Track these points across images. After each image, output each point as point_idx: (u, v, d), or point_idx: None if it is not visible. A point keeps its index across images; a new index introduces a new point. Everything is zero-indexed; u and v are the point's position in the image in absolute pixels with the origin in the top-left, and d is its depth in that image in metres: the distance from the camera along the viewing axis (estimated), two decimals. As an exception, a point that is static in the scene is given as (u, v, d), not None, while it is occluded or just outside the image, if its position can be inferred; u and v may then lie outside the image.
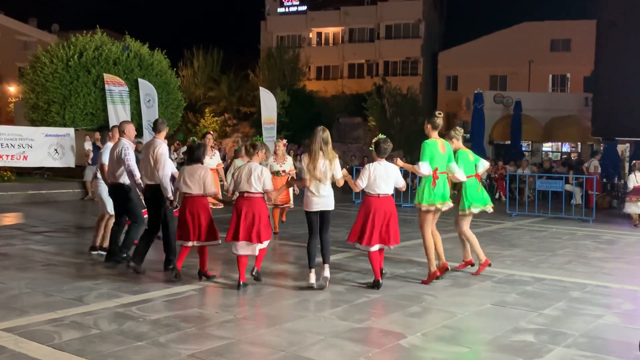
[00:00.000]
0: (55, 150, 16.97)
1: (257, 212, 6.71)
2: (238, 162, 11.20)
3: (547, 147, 33.41)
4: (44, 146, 16.82)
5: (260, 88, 21.78)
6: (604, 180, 20.38)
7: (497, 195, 20.42)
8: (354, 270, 8.03)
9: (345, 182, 6.99)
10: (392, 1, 45.21)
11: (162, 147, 7.44)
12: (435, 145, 7.31)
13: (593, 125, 20.21)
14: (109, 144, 8.30)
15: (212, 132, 11.62)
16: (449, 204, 7.44)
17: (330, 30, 47.12)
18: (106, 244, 8.48)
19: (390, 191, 7.00)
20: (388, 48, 44.60)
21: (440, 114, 7.53)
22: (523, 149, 30.00)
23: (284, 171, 11.17)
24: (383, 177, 6.89)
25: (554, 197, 17.38)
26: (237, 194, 6.88)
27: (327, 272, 6.85)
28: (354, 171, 17.26)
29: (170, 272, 7.27)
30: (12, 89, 45.43)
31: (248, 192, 6.76)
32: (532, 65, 38.49)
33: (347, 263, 8.50)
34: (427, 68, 44.76)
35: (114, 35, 21.83)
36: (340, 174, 6.81)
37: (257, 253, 6.92)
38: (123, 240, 8.02)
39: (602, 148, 28.31)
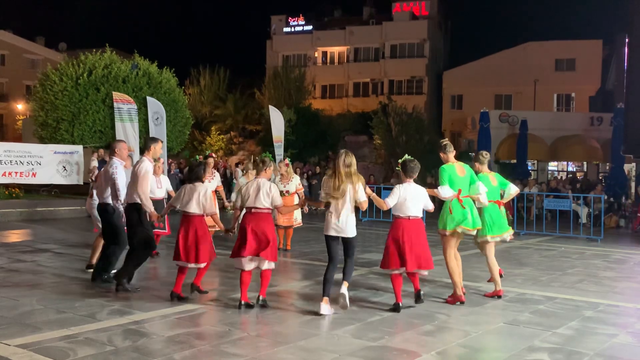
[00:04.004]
0: (64, 167, 17.03)
1: (262, 228, 6.60)
2: (242, 180, 11.18)
3: (552, 166, 33.39)
4: (52, 163, 16.87)
5: (270, 107, 21.87)
6: (611, 199, 20.34)
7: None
8: (365, 288, 8.01)
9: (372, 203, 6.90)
10: (397, 21, 45.59)
11: (143, 163, 7.45)
12: (452, 168, 7.27)
13: (624, 144, 20.17)
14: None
15: (214, 155, 11.47)
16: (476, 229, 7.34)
17: (335, 50, 47.46)
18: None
19: (420, 214, 6.91)
20: (393, 67, 44.86)
21: (445, 140, 7.66)
22: (529, 168, 30.00)
23: (287, 192, 11.05)
24: (412, 198, 6.81)
25: (561, 216, 17.35)
26: (244, 211, 6.80)
27: (344, 289, 6.54)
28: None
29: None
30: (20, 106, 45.72)
31: (255, 207, 6.68)
32: (537, 85, 38.63)
33: (358, 281, 8.47)
34: (432, 87, 44.98)
35: (123, 54, 22.01)
36: (363, 197, 6.62)
37: (263, 267, 6.68)
38: (102, 264, 7.95)
39: (607, 168, 28.31)
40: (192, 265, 6.93)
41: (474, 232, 7.34)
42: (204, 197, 6.91)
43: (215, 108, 39.43)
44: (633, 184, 24.91)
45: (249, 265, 6.69)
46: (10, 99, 48.86)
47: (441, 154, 7.43)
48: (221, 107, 39.33)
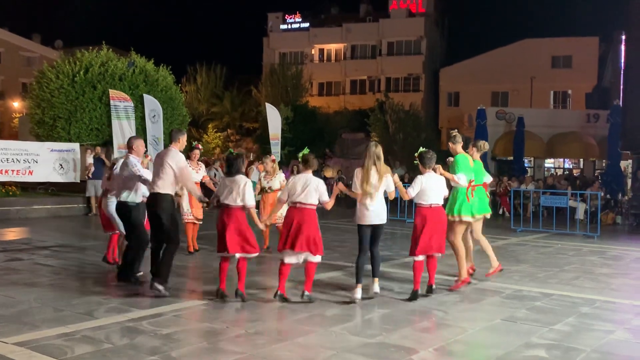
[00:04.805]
0: (61, 165, 16.99)
1: (307, 222, 6.69)
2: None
3: (549, 163, 33.45)
4: (49, 161, 16.82)
5: (267, 104, 21.87)
6: (608, 196, 20.38)
7: (500, 211, 20.41)
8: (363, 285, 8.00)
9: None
10: (394, 18, 45.60)
11: (178, 156, 7.23)
12: (466, 159, 7.71)
13: (622, 140, 20.17)
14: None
15: (200, 147, 11.26)
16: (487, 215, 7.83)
17: (332, 47, 47.46)
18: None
19: (441, 202, 7.25)
20: (390, 64, 44.89)
21: (455, 130, 8.11)
22: (525, 165, 30.05)
23: (270, 188, 10.65)
24: (433, 187, 7.16)
25: (558, 213, 17.36)
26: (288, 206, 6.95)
27: (376, 287, 7.09)
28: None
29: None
30: (16, 104, 45.59)
31: (301, 202, 6.76)
32: (534, 82, 38.67)
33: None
34: (428, 84, 45.01)
35: (119, 51, 21.96)
36: (392, 187, 7.02)
37: (309, 259, 6.76)
38: (123, 264, 7.84)
39: (604, 164, 28.39)
40: (230, 254, 6.75)
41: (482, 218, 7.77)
42: (243, 189, 6.81)
43: (212, 106, 39.45)
44: (629, 181, 24.96)
45: (289, 258, 6.77)
46: (7, 96, 48.74)
47: (450, 144, 7.84)
48: (218, 105, 39.36)
